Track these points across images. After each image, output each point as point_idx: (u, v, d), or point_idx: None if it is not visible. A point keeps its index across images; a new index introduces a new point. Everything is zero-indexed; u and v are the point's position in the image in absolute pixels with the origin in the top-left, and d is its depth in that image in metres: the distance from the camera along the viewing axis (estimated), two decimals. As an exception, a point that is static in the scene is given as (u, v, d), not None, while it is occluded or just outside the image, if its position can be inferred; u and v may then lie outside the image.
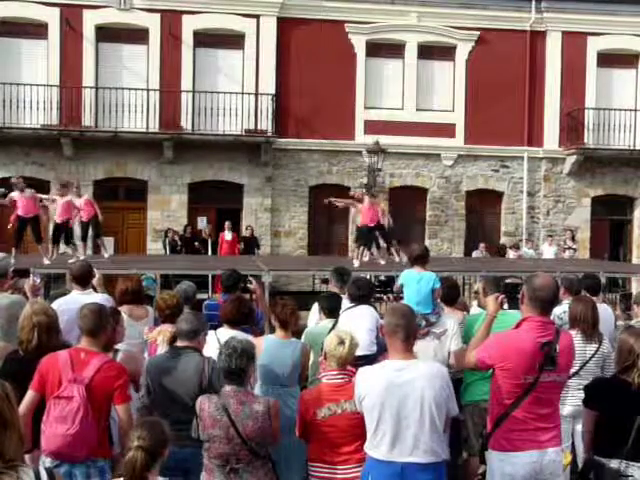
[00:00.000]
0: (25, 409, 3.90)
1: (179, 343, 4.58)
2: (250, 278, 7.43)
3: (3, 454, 2.27)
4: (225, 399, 3.87)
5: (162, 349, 5.11)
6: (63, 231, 12.11)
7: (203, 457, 3.98)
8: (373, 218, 12.48)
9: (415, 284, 5.32)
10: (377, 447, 3.70)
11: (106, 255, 12.64)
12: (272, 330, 5.43)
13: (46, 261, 11.13)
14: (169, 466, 4.33)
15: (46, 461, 3.88)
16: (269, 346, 5.14)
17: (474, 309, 6.56)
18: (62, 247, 12.59)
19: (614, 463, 3.81)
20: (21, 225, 11.52)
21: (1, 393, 2.32)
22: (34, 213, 11.51)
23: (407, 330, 3.73)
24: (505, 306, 4.86)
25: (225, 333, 5.21)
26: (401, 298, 5.68)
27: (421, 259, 5.53)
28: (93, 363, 3.96)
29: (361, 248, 12.69)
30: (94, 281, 6.21)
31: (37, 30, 17.94)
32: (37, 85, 17.55)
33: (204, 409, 3.89)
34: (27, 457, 3.88)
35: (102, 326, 4.12)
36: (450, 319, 5.42)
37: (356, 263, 11.90)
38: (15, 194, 11.42)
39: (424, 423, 3.64)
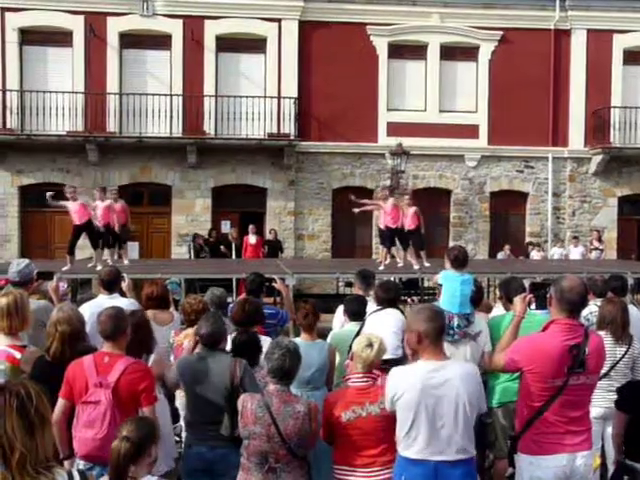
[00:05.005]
0: (58, 417, 3.99)
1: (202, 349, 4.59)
2: (275, 277, 7.39)
3: (45, 453, 2.30)
4: (268, 397, 3.91)
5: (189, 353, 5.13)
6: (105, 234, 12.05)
7: (240, 457, 3.98)
8: (395, 220, 12.39)
9: (458, 285, 5.30)
10: (410, 446, 3.70)
11: (126, 262, 12.61)
12: (296, 331, 5.43)
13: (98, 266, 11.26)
14: (195, 467, 4.36)
15: (80, 464, 3.97)
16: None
17: (498, 310, 6.50)
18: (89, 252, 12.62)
19: None
20: (77, 233, 11.55)
21: (37, 394, 2.35)
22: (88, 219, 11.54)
23: (435, 331, 3.74)
24: (532, 306, 4.82)
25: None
26: (429, 300, 5.66)
27: (462, 262, 5.49)
28: (117, 366, 4.02)
29: (384, 250, 12.64)
30: (124, 286, 6.24)
31: (62, 38, 18.20)
32: (62, 92, 17.78)
33: (246, 406, 3.93)
34: (66, 463, 4.01)
35: (121, 329, 4.17)
36: (482, 320, 5.40)
37: (381, 266, 11.86)
38: (69, 204, 11.43)
39: (458, 423, 3.66)
